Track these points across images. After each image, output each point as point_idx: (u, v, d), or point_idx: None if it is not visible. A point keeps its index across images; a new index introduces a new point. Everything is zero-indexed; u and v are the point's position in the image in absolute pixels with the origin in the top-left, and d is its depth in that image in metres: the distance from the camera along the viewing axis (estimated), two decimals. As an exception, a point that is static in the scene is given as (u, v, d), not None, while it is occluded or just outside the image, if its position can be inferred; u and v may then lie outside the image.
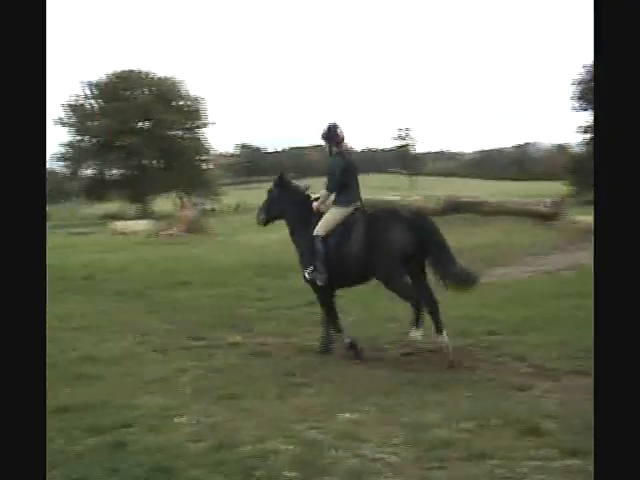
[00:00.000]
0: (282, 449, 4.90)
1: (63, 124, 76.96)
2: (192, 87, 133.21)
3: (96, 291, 13.29)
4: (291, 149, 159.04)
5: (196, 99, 77.28)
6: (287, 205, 8.37)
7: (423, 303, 7.34)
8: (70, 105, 75.96)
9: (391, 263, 7.30)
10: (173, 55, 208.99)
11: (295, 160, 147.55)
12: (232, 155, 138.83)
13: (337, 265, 7.58)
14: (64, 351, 8.34)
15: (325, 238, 7.66)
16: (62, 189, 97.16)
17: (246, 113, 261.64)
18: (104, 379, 6.97)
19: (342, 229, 7.63)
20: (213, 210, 61.21)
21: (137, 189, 73.46)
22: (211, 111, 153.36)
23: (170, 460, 4.72)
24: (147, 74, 76.75)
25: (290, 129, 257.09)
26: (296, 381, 6.68)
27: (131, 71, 75.91)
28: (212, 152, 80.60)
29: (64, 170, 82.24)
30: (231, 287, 12.84)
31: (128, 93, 74.89)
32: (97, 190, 74.91)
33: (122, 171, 77.05)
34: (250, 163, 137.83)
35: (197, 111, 76.91)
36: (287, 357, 7.65)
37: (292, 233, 8.43)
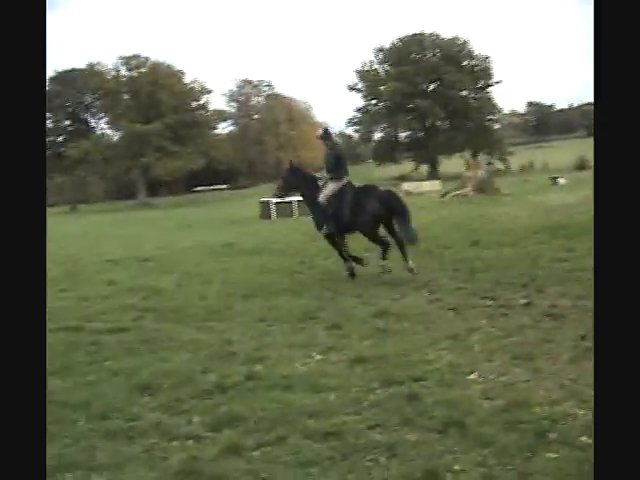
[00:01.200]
0: (576, 414, 4.76)
1: (355, 90, 79.75)
2: (478, 46, 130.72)
3: (394, 249, 13.76)
4: (583, 105, 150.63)
5: (483, 58, 76.08)
6: (300, 184, 11.71)
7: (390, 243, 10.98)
8: (360, 71, 78.42)
9: (368, 221, 10.80)
10: (451, 16, 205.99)
11: (587, 117, 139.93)
12: (521, 114, 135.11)
13: (337, 221, 10.98)
14: (365, 303, 8.87)
15: (328, 204, 11.05)
16: (355, 152, 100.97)
17: (536, 70, 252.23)
18: (398, 333, 7.24)
19: (338, 198, 11.00)
20: (502, 170, 60.26)
21: (425, 150, 74.29)
22: (499, 70, 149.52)
23: (463, 415, 4.79)
24: (434, 36, 76.78)
25: (580, 84, 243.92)
26: (589, 345, 6.40)
27: (418, 34, 76.40)
28: (500, 111, 79.03)
29: (357, 134, 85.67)
30: (524, 247, 12.65)
31: (416, 56, 75.55)
32: (387, 152, 76.82)
33: (411, 133, 78.27)
34: (539, 121, 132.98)
35: (485, 70, 75.73)
36: (579, 320, 7.35)
37: (308, 204, 11.81)
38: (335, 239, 11.37)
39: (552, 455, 4.16)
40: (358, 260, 11.31)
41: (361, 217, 10.80)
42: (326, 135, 11.53)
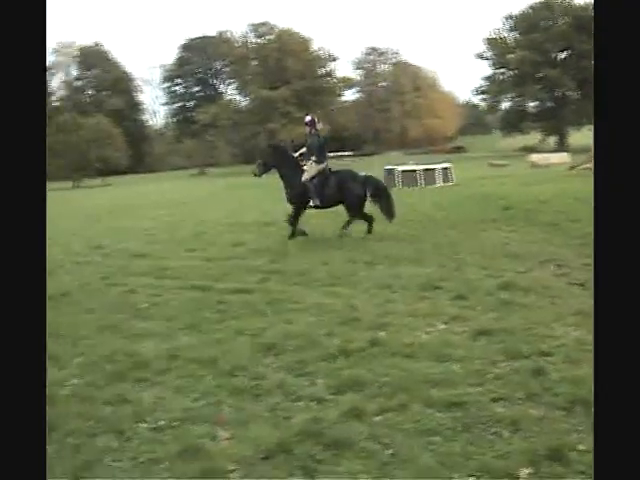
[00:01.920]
0: None
1: (483, 58, 78.19)
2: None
3: (520, 221, 13.65)
4: None
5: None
6: (280, 162, 13.24)
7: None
8: (489, 39, 76.73)
9: (353, 202, 12.98)
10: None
11: None
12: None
13: (321, 197, 12.94)
14: (491, 276, 8.72)
15: (310, 181, 12.91)
16: (482, 122, 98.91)
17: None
18: (524, 307, 7.08)
19: (322, 178, 12.94)
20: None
21: (554, 121, 72.14)
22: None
23: (589, 394, 4.63)
24: (565, 3, 73.99)
25: None
26: None
27: (549, 1, 73.86)
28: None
29: (483, 103, 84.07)
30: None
31: (546, 24, 73.16)
32: (514, 122, 75.12)
33: (539, 103, 76.17)
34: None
35: (621, 38, 72.50)
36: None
37: (284, 179, 13.35)
38: (302, 209, 13.24)
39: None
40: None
41: (349, 197, 12.90)
42: (312, 123, 13.33)
